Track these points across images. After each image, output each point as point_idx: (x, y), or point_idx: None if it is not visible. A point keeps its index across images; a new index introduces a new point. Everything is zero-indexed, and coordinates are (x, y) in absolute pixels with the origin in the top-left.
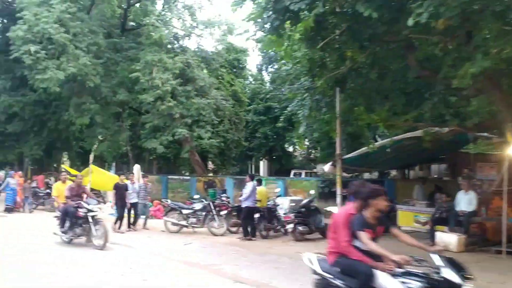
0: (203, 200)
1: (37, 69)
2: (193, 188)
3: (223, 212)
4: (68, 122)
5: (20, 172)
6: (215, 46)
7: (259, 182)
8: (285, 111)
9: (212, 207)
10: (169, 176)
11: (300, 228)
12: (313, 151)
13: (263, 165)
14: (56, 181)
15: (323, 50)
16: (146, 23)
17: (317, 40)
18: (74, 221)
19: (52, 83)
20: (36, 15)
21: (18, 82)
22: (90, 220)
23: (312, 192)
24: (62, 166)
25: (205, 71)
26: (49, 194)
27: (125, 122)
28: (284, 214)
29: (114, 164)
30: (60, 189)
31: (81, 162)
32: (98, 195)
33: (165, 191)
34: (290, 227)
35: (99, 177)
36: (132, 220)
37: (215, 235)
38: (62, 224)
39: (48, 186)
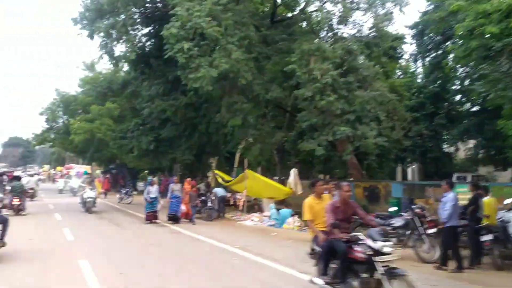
0: (404, 213)
1: (190, 68)
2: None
3: (431, 231)
4: (218, 124)
5: (188, 179)
6: (377, 28)
7: (485, 190)
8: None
9: (419, 224)
10: None
11: None
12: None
13: (411, 168)
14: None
15: None
16: (299, 10)
17: None
18: (347, 267)
19: (205, 82)
20: (188, 10)
21: (170, 86)
22: (381, 270)
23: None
24: (214, 171)
25: (362, 58)
26: (204, 202)
27: (270, 122)
28: None
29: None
30: (314, 207)
31: (229, 166)
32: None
33: None
34: None
35: (255, 184)
36: None
37: (424, 261)
38: (323, 268)
39: (200, 192)
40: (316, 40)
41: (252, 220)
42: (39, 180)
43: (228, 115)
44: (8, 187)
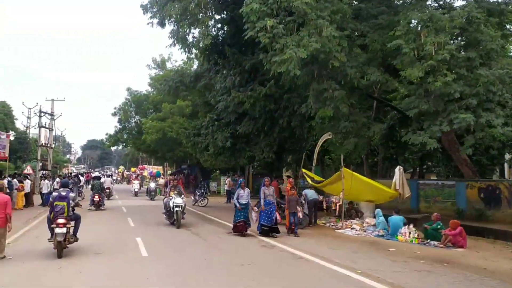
0: None
1: (274, 50)
2: (461, 196)
3: None
4: (302, 117)
5: (290, 179)
6: None
7: None
8: None
9: None
10: (421, 181)
11: None
12: None
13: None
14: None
15: None
16: None
17: None
18: None
19: (292, 64)
20: None
21: (246, 76)
22: None
23: None
24: (302, 170)
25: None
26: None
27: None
28: None
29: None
30: None
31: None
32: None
33: (415, 200)
34: None
35: (353, 184)
36: None
37: None
38: None
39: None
40: (430, 8)
41: (353, 229)
42: (114, 181)
43: (316, 105)
44: (84, 187)
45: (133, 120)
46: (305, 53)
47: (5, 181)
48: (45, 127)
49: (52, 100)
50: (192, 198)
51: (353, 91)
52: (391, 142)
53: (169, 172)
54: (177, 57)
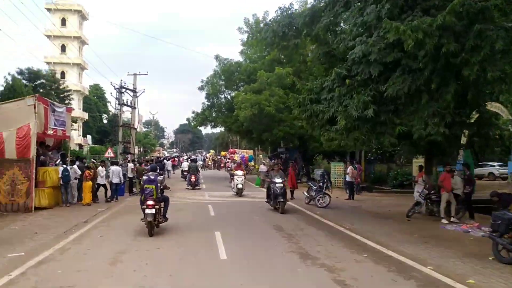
0: None
1: None
2: None
3: None
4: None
5: None
6: None
7: None
8: None
9: None
10: None
11: None
12: None
13: None
14: None
15: None
16: None
17: None
18: None
19: None
20: None
21: (401, 1)
22: None
23: None
24: None
25: None
26: None
27: None
28: None
29: None
30: None
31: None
32: None
33: None
34: None
35: None
36: None
37: None
38: None
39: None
40: None
41: None
42: (200, 166)
43: None
44: (172, 171)
45: (223, 96)
46: None
47: (60, 169)
48: (126, 105)
49: (134, 74)
50: (305, 194)
51: None
52: None
53: (261, 156)
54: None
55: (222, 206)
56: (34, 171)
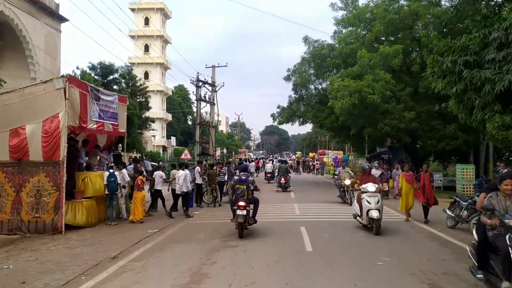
0: None
1: None
2: None
3: None
4: None
5: None
6: None
7: None
8: None
9: None
10: None
11: None
12: None
13: None
14: None
15: None
16: None
17: None
18: None
19: None
20: None
21: None
22: None
23: None
24: None
25: None
26: None
27: None
28: None
29: None
30: None
31: None
32: None
33: None
34: None
35: None
36: None
37: None
38: None
39: None
40: None
41: None
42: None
43: None
44: (255, 174)
45: (313, 86)
46: None
47: (105, 174)
48: (204, 100)
49: (213, 66)
50: (448, 212)
51: None
52: None
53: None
54: None
55: (320, 230)
56: (64, 179)
